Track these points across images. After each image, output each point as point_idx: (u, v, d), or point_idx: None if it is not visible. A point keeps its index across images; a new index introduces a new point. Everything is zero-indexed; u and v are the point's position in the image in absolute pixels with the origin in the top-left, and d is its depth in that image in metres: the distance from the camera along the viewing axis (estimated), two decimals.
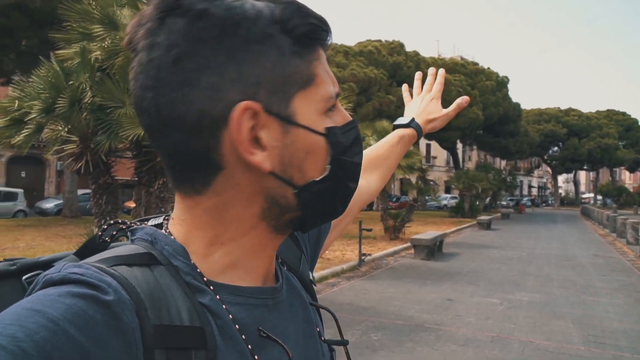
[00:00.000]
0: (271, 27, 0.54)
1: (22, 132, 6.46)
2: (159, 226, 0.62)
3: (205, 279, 0.56)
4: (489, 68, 39.72)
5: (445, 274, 10.63)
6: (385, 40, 31.23)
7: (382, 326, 6.41)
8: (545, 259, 13.55)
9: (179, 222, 0.59)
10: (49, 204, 24.34)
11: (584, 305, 7.99)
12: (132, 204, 8.34)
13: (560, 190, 78.22)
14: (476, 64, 40.24)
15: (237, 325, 0.55)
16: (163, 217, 0.64)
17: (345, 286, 9.00)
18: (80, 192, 21.66)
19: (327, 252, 12.24)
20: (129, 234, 0.61)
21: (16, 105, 6.41)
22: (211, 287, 0.55)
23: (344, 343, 0.69)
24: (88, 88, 6.44)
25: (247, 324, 0.56)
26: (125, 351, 0.45)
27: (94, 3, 6.70)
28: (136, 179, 7.57)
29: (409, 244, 13.88)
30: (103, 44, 6.53)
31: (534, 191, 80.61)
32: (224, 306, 0.55)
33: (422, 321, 6.72)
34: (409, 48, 31.70)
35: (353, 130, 0.61)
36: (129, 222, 0.62)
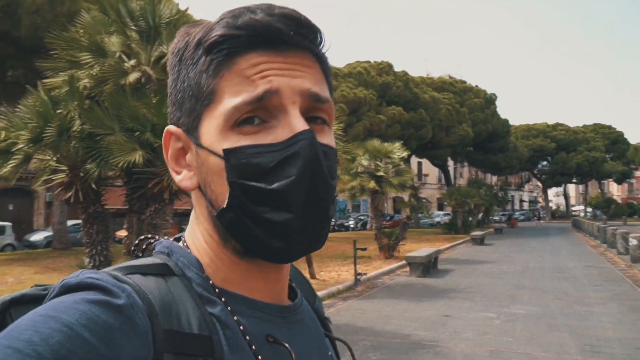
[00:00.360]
0: (196, 49, 0.57)
1: (9, 162, 6.42)
2: (178, 239, 0.64)
3: (217, 290, 0.57)
4: (477, 86, 40.27)
5: (441, 290, 10.59)
6: (374, 61, 31.61)
7: (380, 345, 6.35)
8: (539, 272, 13.55)
9: (189, 234, 0.63)
10: (38, 237, 24.02)
11: (578, 315, 7.97)
12: (123, 233, 8.28)
13: (550, 204, 78.60)
14: (464, 82, 40.77)
15: (247, 337, 0.55)
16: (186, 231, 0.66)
17: (342, 307, 8.93)
18: (70, 222, 21.44)
19: (322, 272, 12.18)
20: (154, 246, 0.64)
21: (2, 135, 6.38)
22: (223, 299, 0.56)
23: None
24: (77, 116, 6.44)
25: (255, 334, 0.56)
26: (139, 352, 0.46)
27: (81, 31, 6.74)
28: (127, 206, 7.52)
29: (404, 262, 13.83)
30: (91, 72, 6.55)
31: (525, 205, 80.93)
32: (235, 318, 0.56)
33: (420, 338, 6.66)
34: (397, 68, 32.07)
35: (290, 147, 0.53)
36: (157, 237, 0.65)
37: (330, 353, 0.67)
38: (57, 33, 6.58)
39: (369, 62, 31.32)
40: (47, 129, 6.36)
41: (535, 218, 53.40)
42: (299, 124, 0.54)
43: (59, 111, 6.51)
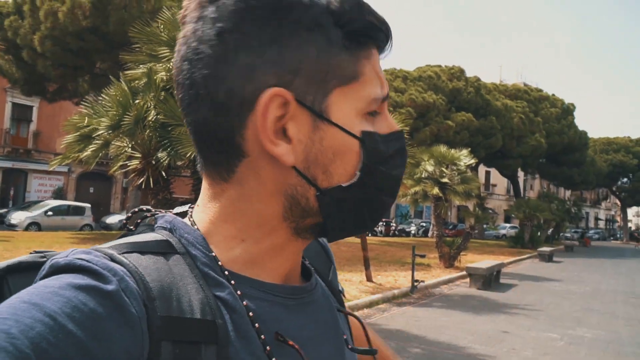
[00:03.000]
0: (324, 17, 0.51)
1: (90, 147, 6.83)
2: (183, 214, 0.60)
3: (226, 272, 0.53)
4: (553, 95, 38.57)
5: (502, 305, 10.21)
6: (445, 66, 31.03)
7: (432, 355, 6.21)
8: (612, 295, 12.77)
9: (203, 210, 0.57)
10: (113, 219, 25.45)
11: None
12: None
13: (630, 224, 73.93)
14: (540, 90, 39.18)
15: (256, 324, 0.52)
16: (189, 205, 0.62)
17: (396, 312, 8.82)
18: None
19: (379, 276, 12.08)
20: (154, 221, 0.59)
21: (85, 121, 6.79)
22: (232, 282, 0.53)
23: (372, 352, 0.64)
24: (152, 107, 6.75)
25: (265, 319, 0.53)
26: (131, 343, 0.43)
27: (162, 27, 7.05)
28: (193, 196, 7.81)
29: (464, 273, 13.46)
30: (168, 65, 6.85)
31: (601, 224, 76.62)
32: (244, 302, 0.52)
33: (475, 352, 6.46)
34: (469, 73, 31.31)
35: (397, 142, 0.57)
36: (153, 210, 0.60)
37: (345, 336, 0.64)
38: (140, 28, 6.92)
39: (439, 66, 30.78)
40: (125, 117, 6.72)
41: (635, 241, 49.10)
42: (394, 122, 0.59)
43: (137, 101, 6.86)
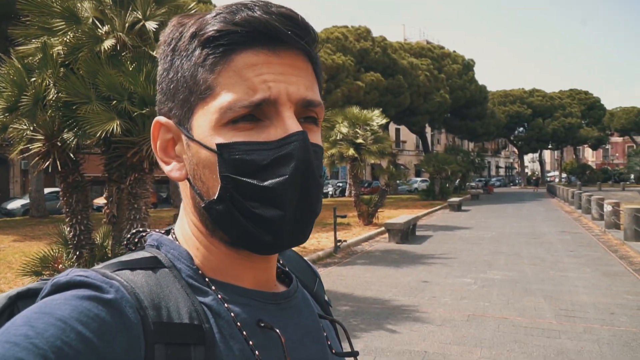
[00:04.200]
0: (192, 41, 0.57)
1: None
2: (168, 231, 0.66)
3: (207, 279, 0.59)
4: (454, 51, 40.20)
5: (420, 256, 10.82)
6: (352, 26, 31.22)
7: (361, 311, 6.51)
8: (515, 238, 13.92)
9: (179, 226, 0.65)
10: (15, 205, 23.67)
11: (553, 280, 8.26)
12: (102, 200, 8.18)
13: (526, 170, 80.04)
14: (442, 47, 40.65)
15: (238, 324, 0.57)
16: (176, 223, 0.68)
17: (322, 273, 9.06)
18: (46, 190, 21.13)
19: None
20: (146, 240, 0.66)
21: None
22: (213, 287, 0.58)
23: (353, 355, 0.69)
24: (52, 84, 6.26)
25: (248, 322, 0.58)
26: (129, 345, 0.48)
27: None
28: (106, 175, 7.43)
29: (383, 229, 14.05)
30: (65, 38, 6.35)
31: (502, 171, 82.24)
32: (225, 305, 0.57)
33: (400, 304, 6.84)
34: (375, 33, 31.74)
35: (283, 147, 0.54)
36: (148, 230, 0.67)
37: (325, 334, 0.68)
38: None
39: (346, 27, 30.95)
40: (22, 97, 6.17)
41: (533, 185, 52.29)
42: (293, 125, 0.55)
43: (33, 79, 6.32)
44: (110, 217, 7.98)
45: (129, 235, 0.67)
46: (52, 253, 6.27)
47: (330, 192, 37.65)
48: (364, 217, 16.49)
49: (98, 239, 6.69)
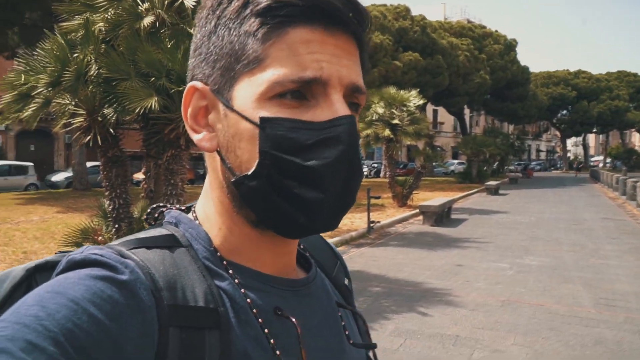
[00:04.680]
0: (243, 9, 0.54)
1: (30, 106, 6.45)
2: (188, 209, 0.64)
3: (225, 262, 0.57)
4: (496, 31, 39.09)
5: (454, 239, 10.69)
6: (391, 5, 30.70)
7: (392, 292, 6.49)
8: (554, 223, 13.57)
9: (200, 202, 0.63)
10: (59, 177, 24.52)
11: (593, 268, 8.02)
12: (141, 175, 8.36)
13: (569, 154, 77.71)
14: (484, 27, 39.57)
15: (254, 310, 0.55)
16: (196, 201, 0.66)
17: (354, 253, 9.08)
18: (89, 164, 21.78)
19: None
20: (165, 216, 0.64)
21: (22, 79, 6.38)
22: (231, 271, 0.57)
23: (371, 347, 0.67)
24: (93, 60, 6.38)
25: (263, 308, 0.56)
26: (143, 328, 0.47)
27: None
28: (144, 151, 7.57)
29: (417, 211, 13.93)
30: (106, 15, 6.44)
31: (542, 155, 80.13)
32: (242, 290, 0.56)
33: (432, 287, 6.79)
34: (414, 12, 31.10)
35: (329, 130, 0.53)
36: (169, 206, 0.65)
37: (343, 324, 0.66)
38: None
39: (385, 5, 30.46)
40: (65, 73, 6.32)
41: (575, 170, 50.34)
42: (341, 109, 0.54)
43: (75, 55, 6.45)
44: (147, 192, 8.17)
45: (148, 210, 0.65)
46: (92, 225, 6.46)
47: (365, 173, 37.55)
48: (399, 199, 16.37)
49: (136, 212, 6.84)
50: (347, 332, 0.66)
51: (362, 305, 5.92)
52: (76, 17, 6.61)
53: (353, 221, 12.42)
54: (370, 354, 0.69)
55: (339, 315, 0.66)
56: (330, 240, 8.43)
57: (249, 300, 0.56)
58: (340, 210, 0.56)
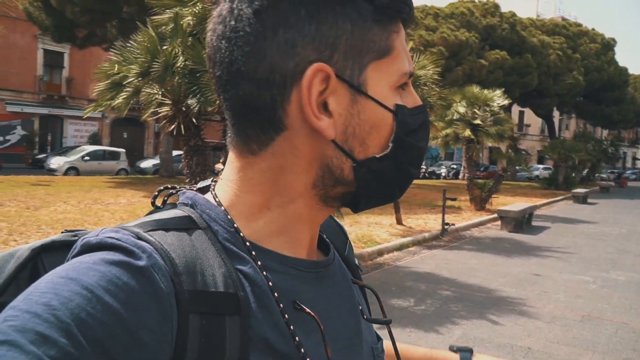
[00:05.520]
0: None
1: (121, 94, 6.86)
2: (205, 189, 0.63)
3: (248, 244, 0.55)
4: (593, 29, 36.76)
5: (534, 248, 10.19)
6: (479, 1, 29.68)
7: (463, 297, 6.29)
8: None
9: (227, 183, 0.59)
10: (147, 164, 26.03)
11: None
12: (221, 166, 8.66)
13: None
14: (579, 24, 37.35)
15: (275, 294, 0.54)
16: (212, 179, 0.64)
17: (426, 255, 8.90)
18: (175, 153, 22.91)
19: (409, 219, 12.15)
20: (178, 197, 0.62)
21: (116, 69, 6.79)
22: (253, 253, 0.55)
23: (386, 322, 0.67)
24: (180, 53, 6.67)
25: (285, 293, 0.55)
26: (161, 316, 0.45)
27: None
28: (224, 141, 7.84)
29: (495, 215, 13.41)
30: (194, 9, 6.71)
31: (639, 164, 74.44)
32: (263, 273, 0.54)
33: (506, 295, 6.51)
34: (504, 8, 29.91)
35: (421, 115, 0.59)
36: (178, 187, 0.63)
37: (360, 308, 0.66)
38: None
39: (473, 1, 29.49)
40: (154, 64, 6.67)
41: None
42: (417, 96, 0.60)
43: (164, 47, 6.79)
44: None
45: (156, 192, 0.63)
46: None
47: (443, 174, 36.67)
48: (476, 202, 15.84)
49: None
50: (360, 308, 0.67)
51: (430, 308, 5.79)
52: (167, 11, 6.94)
53: (427, 222, 12.18)
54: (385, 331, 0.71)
55: (355, 294, 0.67)
56: (401, 240, 8.37)
57: (270, 283, 0.54)
58: None
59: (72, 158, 22.65)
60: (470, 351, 0.87)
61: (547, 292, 6.79)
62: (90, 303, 0.42)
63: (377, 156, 0.56)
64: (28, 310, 0.40)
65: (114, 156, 24.10)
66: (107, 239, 0.48)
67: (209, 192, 0.61)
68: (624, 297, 6.72)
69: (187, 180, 7.69)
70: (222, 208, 0.57)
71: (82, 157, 22.83)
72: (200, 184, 0.64)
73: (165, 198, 0.62)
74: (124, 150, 24.95)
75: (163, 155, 22.71)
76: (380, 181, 0.58)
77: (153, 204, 0.61)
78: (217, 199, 0.59)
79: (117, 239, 0.48)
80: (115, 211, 10.97)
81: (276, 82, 0.52)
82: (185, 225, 0.54)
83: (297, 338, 0.54)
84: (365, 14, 0.53)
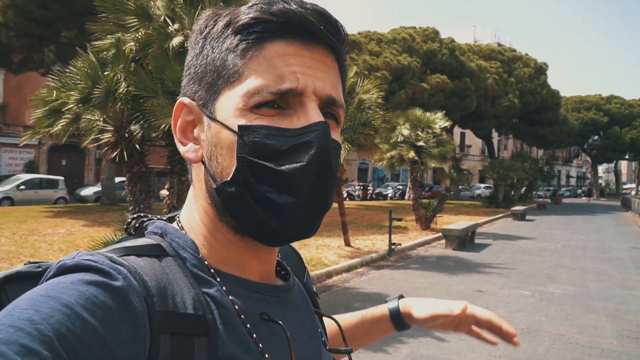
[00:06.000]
0: (225, 29, 0.59)
1: (60, 121, 6.67)
2: (172, 219, 0.66)
3: (212, 270, 0.59)
4: (527, 54, 38.77)
5: (476, 264, 10.52)
6: (420, 27, 30.78)
7: None
8: (581, 251, 13.23)
9: (184, 212, 0.65)
10: (88, 192, 25.08)
11: (619, 299, 7.78)
12: (166, 192, 8.51)
13: (600, 181, 75.86)
14: (514, 50, 39.33)
15: (242, 316, 0.57)
16: (178, 212, 0.68)
17: (374, 275, 9.01)
18: (117, 179, 22.25)
19: (357, 240, 12.28)
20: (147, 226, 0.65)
21: (54, 95, 6.61)
22: (218, 279, 0.58)
23: (347, 352, 0.70)
24: (122, 78, 6.57)
25: (250, 314, 0.58)
26: (135, 334, 0.48)
27: None
28: (169, 167, 7.73)
29: (440, 234, 13.77)
30: (137, 35, 6.65)
31: (572, 181, 78.43)
32: (229, 297, 0.58)
33: None
34: (444, 34, 31.15)
35: (304, 136, 0.55)
36: (150, 216, 0.66)
37: (319, 330, 0.69)
38: None
39: (414, 27, 30.54)
40: (95, 90, 6.53)
41: (586, 194, 50.42)
42: (315, 116, 0.56)
43: (106, 73, 6.67)
44: (170, 208, 8.28)
45: (129, 220, 0.66)
46: (115, 239, 6.58)
47: (390, 195, 37.32)
48: (422, 222, 16.22)
49: None
50: (323, 339, 0.69)
51: None
52: (108, 36, 6.84)
53: (375, 242, 12.35)
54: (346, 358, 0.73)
55: (316, 321, 0.70)
56: (350, 262, 8.40)
57: (236, 306, 0.57)
58: (314, 216, 0.58)
59: (7, 187, 21.55)
60: (398, 297, 0.94)
61: (489, 307, 7.02)
62: (70, 319, 0.44)
63: (227, 179, 0.57)
64: (11, 324, 0.42)
65: (52, 184, 23.10)
66: (83, 261, 0.50)
67: (175, 222, 0.65)
68: (560, 309, 7.04)
69: (130, 208, 7.51)
70: (189, 236, 0.61)
71: (17, 186, 21.76)
72: (171, 214, 0.68)
73: (137, 225, 0.66)
74: (62, 178, 23.95)
75: (105, 182, 22.01)
76: (240, 207, 0.57)
77: (126, 230, 0.66)
78: (180, 224, 0.64)
79: (93, 261, 0.50)
80: (53, 242, 10.51)
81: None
82: (155, 252, 0.58)
83: (266, 355, 0.57)
84: (229, 47, 0.58)
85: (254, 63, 0.56)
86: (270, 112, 0.56)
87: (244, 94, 0.56)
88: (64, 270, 0.50)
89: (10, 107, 27.64)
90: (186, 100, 0.61)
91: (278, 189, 0.55)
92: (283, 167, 0.55)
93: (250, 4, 0.58)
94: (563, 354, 5.18)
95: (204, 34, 0.61)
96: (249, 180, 0.55)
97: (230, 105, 0.57)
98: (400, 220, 12.93)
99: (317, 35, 0.57)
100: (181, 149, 0.61)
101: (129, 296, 0.49)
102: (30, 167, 27.53)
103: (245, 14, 0.57)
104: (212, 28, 0.60)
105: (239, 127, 0.56)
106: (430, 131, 16.02)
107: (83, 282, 0.47)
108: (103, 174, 22.23)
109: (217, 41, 0.59)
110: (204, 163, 0.60)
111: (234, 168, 0.56)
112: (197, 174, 0.62)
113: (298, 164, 0.55)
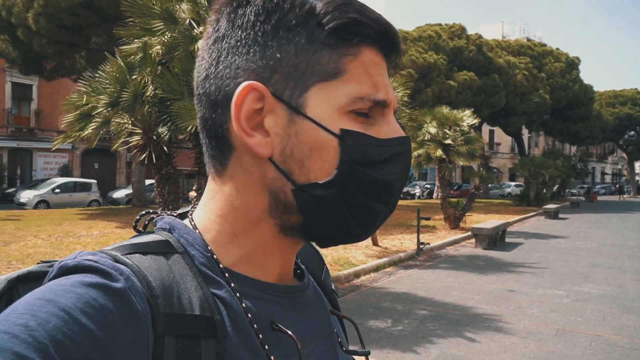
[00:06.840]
0: (305, 18, 0.54)
1: (91, 125, 6.80)
2: (184, 215, 0.63)
3: (221, 267, 0.56)
4: (557, 49, 37.94)
5: (508, 264, 10.31)
6: (446, 24, 30.47)
7: (439, 316, 6.31)
8: (618, 250, 12.85)
9: (202, 208, 0.61)
10: (119, 194, 25.62)
11: None
12: (194, 194, 8.60)
13: (637, 177, 73.66)
14: (544, 45, 38.55)
15: (249, 315, 0.55)
16: (191, 205, 0.65)
17: (402, 275, 8.92)
18: (147, 182, 22.65)
19: (385, 240, 12.19)
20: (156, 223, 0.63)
21: (84, 100, 6.74)
22: (229, 280, 0.56)
23: (365, 353, 0.67)
24: (150, 82, 6.67)
25: (260, 317, 0.56)
26: (137, 337, 0.46)
27: None
28: (196, 169, 7.80)
29: (469, 233, 13.56)
30: (163, 39, 6.73)
31: (608, 178, 76.36)
32: (240, 299, 0.55)
33: (482, 312, 6.56)
34: (471, 31, 30.73)
35: (395, 147, 0.56)
36: (159, 212, 0.64)
37: (336, 330, 0.67)
38: (132, 1, 6.77)
39: (440, 25, 30.24)
40: (123, 93, 6.65)
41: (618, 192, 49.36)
42: (399, 129, 0.57)
43: (134, 77, 6.78)
44: None
45: (138, 217, 0.64)
46: None
47: (418, 194, 37.00)
48: (450, 221, 16.00)
49: None
50: (339, 340, 0.67)
51: (407, 328, 5.78)
52: (135, 40, 6.96)
53: (402, 242, 12.24)
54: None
55: (332, 322, 0.67)
56: (378, 262, 8.36)
57: (244, 306, 0.55)
58: (382, 222, 0.59)
59: (42, 191, 22.17)
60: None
61: (521, 307, 6.86)
62: (67, 325, 0.42)
63: (320, 182, 0.54)
64: (6, 330, 0.41)
65: (85, 187, 23.67)
66: (84, 261, 0.49)
67: (187, 219, 0.62)
68: (597, 309, 6.83)
69: (159, 209, 7.61)
70: (199, 233, 0.58)
71: (53, 189, 22.36)
72: (181, 210, 0.65)
73: (147, 222, 0.63)
74: (95, 181, 24.53)
75: (135, 184, 22.43)
76: (326, 211, 0.55)
77: (135, 228, 0.62)
78: (192, 223, 0.60)
79: (94, 261, 0.49)
80: (87, 243, 10.74)
81: (221, 103, 0.55)
82: (162, 249, 0.55)
83: (272, 358, 0.54)
84: (315, 39, 0.54)
85: (354, 66, 0.54)
86: (362, 119, 0.55)
87: (347, 96, 0.54)
88: (65, 271, 0.49)
89: (44, 113, 28.48)
90: (258, 85, 0.54)
91: (374, 197, 0.55)
92: (386, 177, 0.55)
93: (329, 1, 0.54)
94: (600, 356, 5.02)
95: (275, 15, 0.55)
96: (347, 186, 0.54)
97: (327, 105, 0.54)
98: (428, 219, 12.78)
99: (395, 48, 0.58)
100: (248, 140, 0.54)
101: (131, 298, 0.47)
102: (64, 171, 28.30)
103: (340, 11, 0.54)
104: (289, 12, 0.54)
105: (342, 130, 0.53)
106: (457, 129, 15.78)
107: (82, 284, 0.46)
108: (134, 177, 22.67)
109: (300, 29, 0.54)
110: (271, 159, 0.55)
111: (334, 172, 0.54)
112: (243, 167, 0.56)
113: (395, 175, 0.56)
